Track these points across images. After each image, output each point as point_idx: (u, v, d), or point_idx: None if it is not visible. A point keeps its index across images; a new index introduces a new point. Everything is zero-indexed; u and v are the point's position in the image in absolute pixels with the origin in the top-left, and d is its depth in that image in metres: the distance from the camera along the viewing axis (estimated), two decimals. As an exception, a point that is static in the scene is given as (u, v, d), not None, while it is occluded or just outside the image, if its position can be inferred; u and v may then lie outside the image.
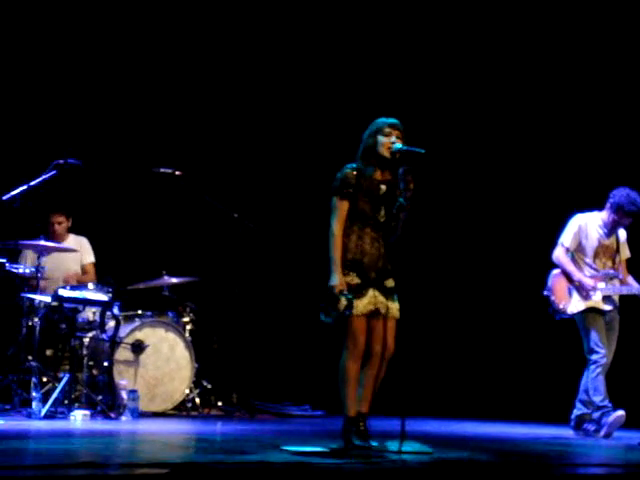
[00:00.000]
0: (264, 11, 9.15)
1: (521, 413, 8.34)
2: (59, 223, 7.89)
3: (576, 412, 6.97)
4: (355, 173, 5.19)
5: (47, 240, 7.51)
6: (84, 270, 8.02)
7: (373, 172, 5.21)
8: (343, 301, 5.03)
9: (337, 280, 5.06)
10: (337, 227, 5.14)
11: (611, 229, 7.02)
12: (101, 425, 6.53)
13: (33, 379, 6.86)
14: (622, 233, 7.14)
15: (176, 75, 9.05)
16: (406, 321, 5.19)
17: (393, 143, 5.19)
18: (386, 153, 5.20)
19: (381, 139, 5.21)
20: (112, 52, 8.80)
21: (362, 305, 5.09)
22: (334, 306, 5.04)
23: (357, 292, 5.09)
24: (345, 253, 5.13)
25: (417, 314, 5.49)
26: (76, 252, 7.86)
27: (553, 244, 7.09)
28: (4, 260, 7.22)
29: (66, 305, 7.07)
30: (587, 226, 7.03)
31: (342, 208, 5.16)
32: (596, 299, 6.94)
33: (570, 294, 7.00)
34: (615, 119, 8.94)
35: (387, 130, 5.22)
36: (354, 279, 5.11)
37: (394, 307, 5.19)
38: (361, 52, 9.20)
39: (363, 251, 5.15)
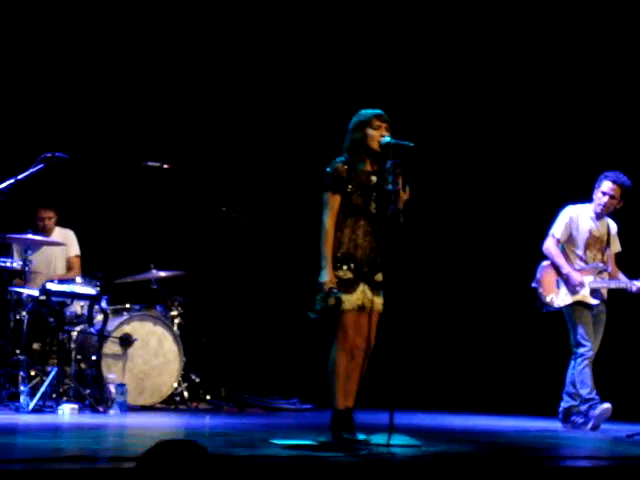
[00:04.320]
0: (253, 5, 9.12)
1: (509, 406, 8.36)
2: (49, 218, 7.85)
3: (563, 405, 7.00)
4: (345, 167, 5.17)
5: (35, 234, 7.49)
6: (69, 263, 8.00)
7: (363, 165, 5.21)
8: (332, 299, 5.02)
9: (327, 277, 5.05)
10: (329, 223, 5.11)
11: (597, 211, 7.01)
12: (89, 419, 6.52)
13: (21, 373, 6.85)
14: (613, 226, 7.16)
15: (164, 68, 9.01)
16: (395, 314, 5.19)
17: (383, 136, 5.17)
18: (376, 146, 5.18)
19: (371, 132, 5.18)
20: (100, 45, 8.76)
21: (353, 300, 5.09)
22: (323, 303, 5.03)
23: (348, 286, 5.09)
24: (338, 247, 5.11)
25: (406, 307, 5.48)
26: (63, 245, 7.84)
27: (544, 235, 7.10)
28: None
29: (54, 299, 7.04)
30: (578, 217, 7.04)
31: (334, 203, 5.14)
32: (584, 293, 6.95)
33: (558, 287, 7.01)
34: (605, 111, 8.96)
35: (376, 123, 5.19)
36: (346, 273, 5.10)
37: (378, 302, 5.18)
38: (351, 44, 9.16)
39: (356, 245, 5.13)
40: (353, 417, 5.17)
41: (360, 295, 5.12)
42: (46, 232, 7.83)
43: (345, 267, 5.10)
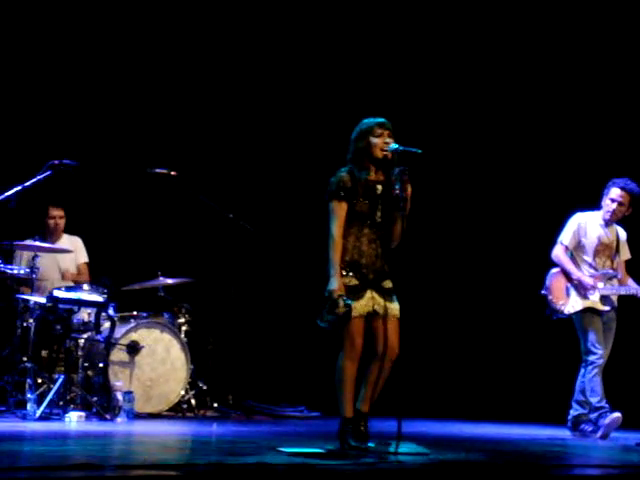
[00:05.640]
0: (259, 12, 9.13)
1: (518, 414, 8.33)
2: (60, 217, 7.84)
3: (573, 413, 6.97)
4: (350, 176, 5.17)
5: (42, 240, 7.49)
6: (78, 270, 8.00)
7: (368, 174, 5.20)
8: (342, 306, 5.00)
9: (336, 284, 5.03)
10: (337, 231, 5.11)
11: (606, 218, 7.00)
12: (96, 427, 6.50)
13: (28, 380, 6.83)
14: (622, 233, 7.14)
15: (171, 75, 9.02)
16: (403, 322, 5.17)
17: (387, 144, 5.16)
18: (379, 154, 5.17)
19: (374, 140, 5.18)
20: (107, 53, 8.78)
21: (360, 306, 5.07)
22: (332, 310, 5.01)
23: (355, 293, 5.07)
24: (343, 254, 5.11)
25: (413, 315, 5.46)
26: (71, 252, 7.84)
27: (552, 243, 7.08)
28: (-1, 261, 7.20)
29: (61, 306, 7.03)
30: (587, 225, 7.03)
31: (341, 211, 5.13)
32: (594, 299, 6.93)
33: (568, 294, 6.98)
34: (614, 118, 8.94)
35: (378, 131, 5.19)
36: (352, 280, 5.09)
37: (393, 307, 5.16)
38: (356, 51, 9.18)
39: (361, 252, 5.13)
40: (367, 423, 5.14)
41: (369, 301, 5.10)
42: (56, 233, 7.82)
43: (350, 274, 5.09)
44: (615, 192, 6.95)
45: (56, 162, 7.00)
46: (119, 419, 6.88)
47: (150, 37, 8.87)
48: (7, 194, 6.90)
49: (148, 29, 8.87)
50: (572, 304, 6.96)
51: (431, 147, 5.47)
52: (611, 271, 7.02)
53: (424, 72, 9.30)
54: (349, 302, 5.01)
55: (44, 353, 7.25)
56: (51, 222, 7.81)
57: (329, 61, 9.20)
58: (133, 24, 8.82)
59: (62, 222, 7.87)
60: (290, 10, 9.13)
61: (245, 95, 9.20)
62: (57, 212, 7.83)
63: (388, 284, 5.19)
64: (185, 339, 7.83)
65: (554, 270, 7.08)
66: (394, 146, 5.16)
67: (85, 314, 7.31)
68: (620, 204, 6.95)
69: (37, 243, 7.31)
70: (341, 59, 9.18)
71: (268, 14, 9.14)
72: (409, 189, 5.14)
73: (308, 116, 9.19)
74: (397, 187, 5.14)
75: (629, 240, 7.16)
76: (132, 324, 7.60)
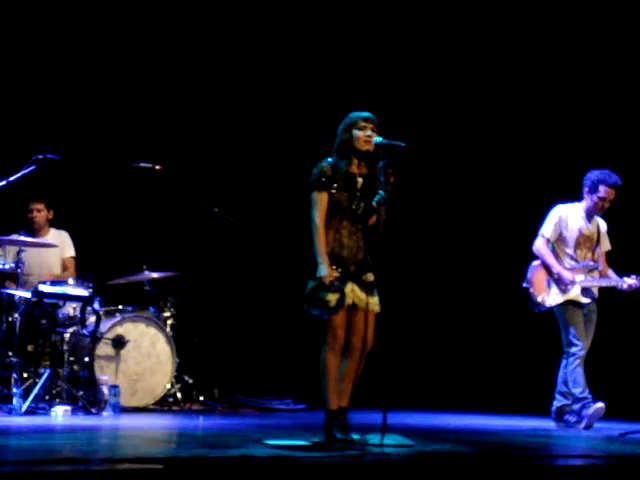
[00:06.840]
0: (243, 5, 9.13)
1: (502, 405, 8.38)
2: (38, 210, 7.81)
3: (556, 404, 7.01)
4: (331, 167, 5.20)
5: (27, 234, 7.47)
6: (64, 264, 7.98)
7: (349, 166, 5.22)
8: (333, 293, 5.01)
9: (326, 271, 5.05)
10: (319, 219, 5.12)
11: (592, 213, 7.03)
12: (82, 421, 6.51)
13: (14, 375, 6.83)
14: (603, 224, 7.18)
15: (156, 69, 9.01)
16: (388, 314, 5.19)
17: (369, 136, 5.19)
18: (362, 147, 5.20)
19: (356, 133, 5.21)
20: (92, 46, 8.76)
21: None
22: (325, 298, 5.02)
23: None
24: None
25: (398, 307, 5.49)
26: (57, 247, 7.82)
27: (534, 235, 7.11)
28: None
29: (46, 300, 7.03)
30: (568, 217, 7.06)
31: (322, 200, 5.15)
32: (575, 292, 6.97)
33: (549, 286, 7.02)
34: (593, 109, 8.99)
35: (362, 124, 5.22)
36: (334, 273, 5.10)
37: (373, 301, 5.18)
38: (340, 44, 9.19)
39: (342, 244, 5.14)
40: (347, 417, 5.17)
41: (349, 294, 5.11)
42: (38, 229, 7.80)
43: (332, 267, 5.10)
44: (605, 190, 6.94)
45: (40, 157, 6.98)
46: (105, 413, 6.89)
47: (134, 32, 8.85)
48: (-9, 188, 6.88)
49: (131, 22, 8.85)
50: (553, 297, 7.00)
51: (414, 140, 5.49)
52: (592, 263, 7.06)
53: (407, 66, 9.32)
54: (341, 286, 5.03)
55: (30, 348, 7.25)
56: (30, 216, 7.79)
57: (313, 54, 9.20)
58: (116, 17, 8.80)
59: (42, 216, 7.84)
60: (272, 4, 9.13)
61: (229, 89, 9.19)
62: (36, 206, 7.81)
63: (370, 277, 5.20)
64: (171, 333, 7.84)
65: (535, 263, 7.10)
66: (378, 139, 5.19)
67: (70, 308, 7.30)
68: (610, 200, 6.99)
69: (22, 238, 7.29)
70: (326, 52, 9.19)
71: (251, 7, 9.13)
72: (392, 181, 5.16)
73: (292, 110, 9.19)
74: (381, 180, 5.16)
75: (609, 232, 7.20)
76: (118, 318, 7.61)
